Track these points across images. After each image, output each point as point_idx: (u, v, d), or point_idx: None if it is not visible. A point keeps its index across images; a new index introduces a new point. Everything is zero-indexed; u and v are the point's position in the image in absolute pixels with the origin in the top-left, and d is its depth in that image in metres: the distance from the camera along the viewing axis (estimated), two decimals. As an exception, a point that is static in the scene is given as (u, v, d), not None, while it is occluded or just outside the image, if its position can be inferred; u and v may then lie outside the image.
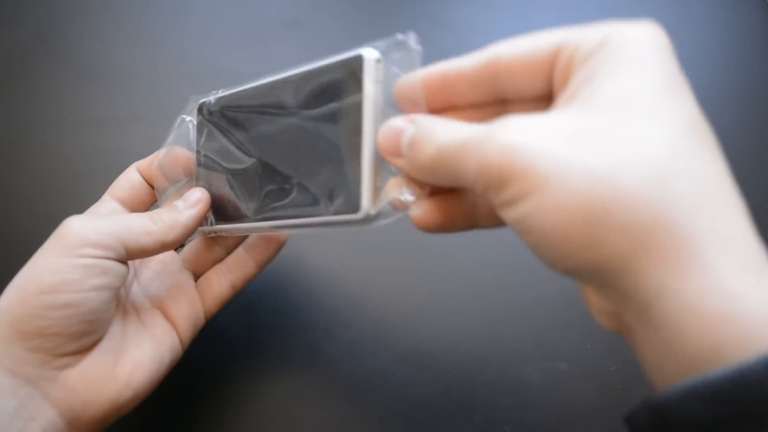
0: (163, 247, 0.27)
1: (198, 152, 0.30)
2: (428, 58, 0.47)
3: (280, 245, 0.31)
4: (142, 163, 0.31)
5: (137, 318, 0.28)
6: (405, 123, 0.21)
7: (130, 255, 0.26)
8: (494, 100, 0.22)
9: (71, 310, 0.24)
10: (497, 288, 0.37)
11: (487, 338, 0.36)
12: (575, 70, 0.19)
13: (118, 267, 0.25)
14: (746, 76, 0.44)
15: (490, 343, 0.36)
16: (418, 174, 0.21)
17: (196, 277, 0.31)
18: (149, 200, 0.31)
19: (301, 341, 0.35)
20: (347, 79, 0.23)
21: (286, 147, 0.26)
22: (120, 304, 0.27)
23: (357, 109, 0.22)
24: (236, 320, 0.36)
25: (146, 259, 0.30)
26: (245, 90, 0.28)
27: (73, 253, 0.24)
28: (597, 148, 0.16)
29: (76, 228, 0.25)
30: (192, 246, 0.32)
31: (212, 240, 0.32)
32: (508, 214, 0.18)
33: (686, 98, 0.19)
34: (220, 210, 0.29)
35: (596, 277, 0.17)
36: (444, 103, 0.23)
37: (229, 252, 0.32)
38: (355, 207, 0.22)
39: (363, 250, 0.38)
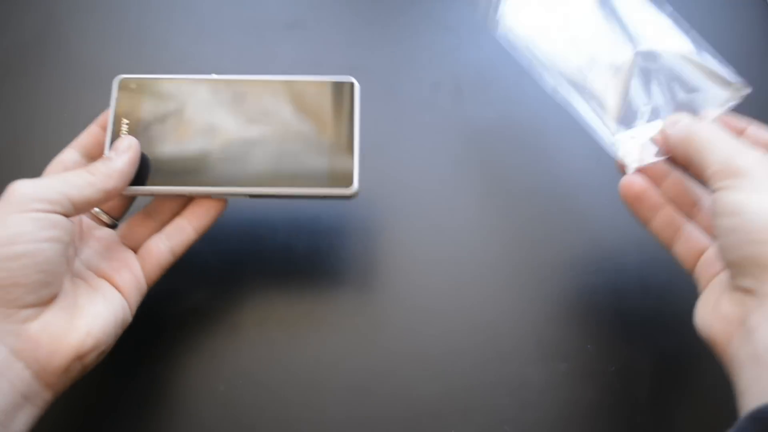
0: (106, 196, 0.29)
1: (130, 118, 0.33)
2: (428, 58, 0.47)
3: (219, 212, 0.33)
4: (77, 142, 0.33)
5: (86, 284, 0.30)
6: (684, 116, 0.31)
7: (77, 208, 0.28)
8: None
9: (28, 259, 0.25)
10: (497, 288, 0.37)
11: (487, 338, 0.36)
12: None
13: (66, 222, 0.27)
14: (746, 76, 0.44)
15: (490, 343, 0.36)
16: (683, 144, 0.29)
17: (135, 251, 0.33)
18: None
19: (300, 340, 0.35)
20: (341, 94, 0.33)
21: (265, 128, 0.32)
22: (68, 270, 0.29)
23: (351, 114, 0.33)
24: (227, 308, 0.36)
25: (85, 237, 0.31)
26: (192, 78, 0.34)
27: (22, 209, 0.26)
28: None
29: (21, 188, 0.27)
30: (127, 223, 0.33)
31: (146, 214, 0.33)
32: (729, 196, 0.25)
33: None
34: (161, 171, 0.31)
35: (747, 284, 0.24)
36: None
37: (164, 225, 0.33)
38: (348, 183, 0.31)
39: (367, 248, 0.38)
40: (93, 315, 0.28)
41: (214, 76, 0.33)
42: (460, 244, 0.38)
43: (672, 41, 0.35)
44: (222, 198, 0.33)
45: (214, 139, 0.32)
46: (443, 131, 0.41)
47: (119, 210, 0.34)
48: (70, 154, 0.32)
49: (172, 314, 0.36)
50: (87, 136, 0.33)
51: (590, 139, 0.42)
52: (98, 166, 0.29)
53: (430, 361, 0.35)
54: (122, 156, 0.30)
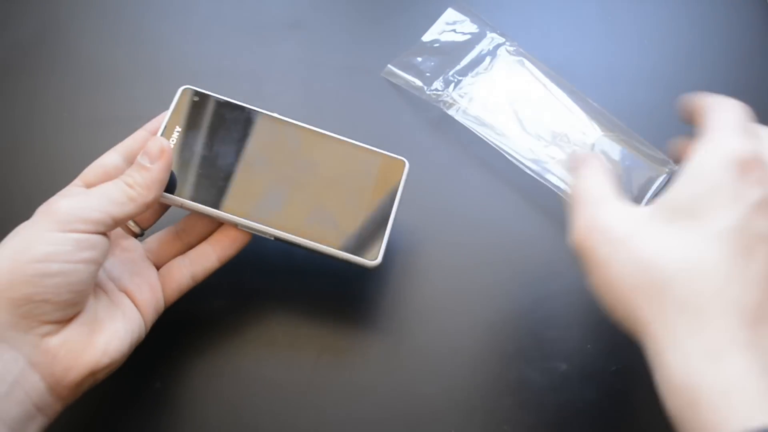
0: (145, 209, 0.29)
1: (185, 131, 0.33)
2: (428, 58, 0.46)
3: (244, 244, 0.33)
4: (122, 145, 0.32)
5: (107, 297, 0.29)
6: (582, 156, 0.30)
7: (116, 224, 0.28)
8: None
9: (62, 278, 0.25)
10: (498, 288, 0.37)
11: (487, 338, 0.36)
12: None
13: (105, 242, 0.27)
14: (746, 76, 0.44)
15: (490, 343, 0.36)
16: (568, 192, 0.29)
17: (157, 267, 0.33)
18: None
19: (300, 340, 0.35)
20: (391, 170, 0.34)
21: (309, 179, 0.33)
22: (94, 283, 0.29)
23: (394, 191, 0.33)
24: (227, 308, 0.36)
25: (111, 246, 0.31)
26: (262, 113, 0.34)
27: (64, 228, 0.26)
28: (632, 252, 0.24)
29: (66, 206, 0.27)
30: (157, 239, 0.33)
31: (174, 233, 0.33)
32: (588, 278, 0.26)
33: (729, 211, 0.23)
34: (197, 187, 0.32)
35: (629, 329, 0.24)
36: None
37: (190, 247, 0.33)
38: (374, 256, 0.31)
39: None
40: (111, 332, 0.28)
41: (276, 115, 0.34)
42: (462, 240, 0.38)
43: (609, 127, 0.40)
44: (248, 231, 0.32)
45: (256, 173, 0.32)
46: (443, 131, 0.41)
47: (149, 221, 0.33)
48: (112, 157, 0.31)
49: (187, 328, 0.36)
50: (133, 141, 0.32)
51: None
52: (135, 177, 0.29)
53: (430, 361, 0.35)
54: (157, 164, 0.29)
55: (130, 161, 0.31)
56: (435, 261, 0.38)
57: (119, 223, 0.28)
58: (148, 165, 0.29)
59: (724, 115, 0.26)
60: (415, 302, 0.36)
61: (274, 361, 0.35)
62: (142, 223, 0.33)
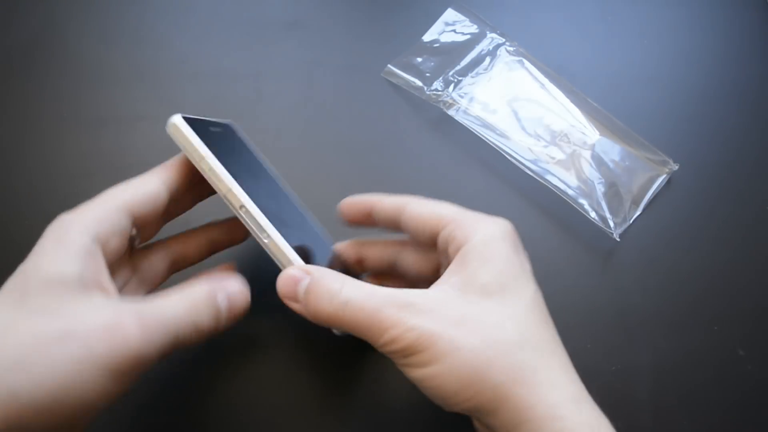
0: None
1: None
2: (428, 58, 0.46)
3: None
4: (165, 173, 0.28)
5: None
6: (300, 272, 0.26)
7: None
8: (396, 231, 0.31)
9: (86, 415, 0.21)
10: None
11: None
12: (454, 255, 0.27)
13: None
14: (746, 76, 0.44)
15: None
16: (315, 320, 0.26)
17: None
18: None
19: (299, 340, 0.35)
20: None
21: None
22: None
23: None
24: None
25: None
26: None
27: (121, 382, 0.21)
28: (474, 331, 0.24)
29: (125, 362, 0.21)
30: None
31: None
32: (411, 372, 0.25)
33: (527, 280, 0.26)
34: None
35: (477, 415, 0.25)
36: (363, 220, 0.32)
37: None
38: None
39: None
40: None
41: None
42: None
43: (608, 127, 0.40)
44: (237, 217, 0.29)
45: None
46: (443, 131, 0.41)
47: (150, 236, 0.30)
48: (161, 190, 0.27)
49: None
50: (177, 173, 0.29)
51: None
52: (204, 321, 0.24)
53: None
54: (231, 312, 0.26)
55: (172, 193, 0.28)
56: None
57: (184, 344, 0.24)
58: (223, 311, 0.25)
59: (447, 205, 0.29)
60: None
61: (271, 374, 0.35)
62: (143, 238, 0.29)
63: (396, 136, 0.41)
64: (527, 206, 0.39)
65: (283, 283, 0.26)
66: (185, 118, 0.29)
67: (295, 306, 0.26)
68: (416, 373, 0.24)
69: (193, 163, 0.28)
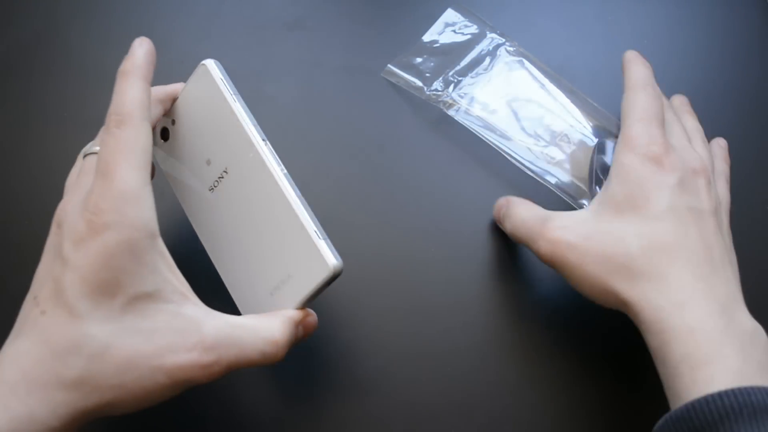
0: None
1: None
2: (428, 58, 0.46)
3: None
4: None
5: None
6: (504, 201, 0.36)
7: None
8: None
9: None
10: (497, 288, 0.37)
11: (488, 338, 0.36)
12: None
13: None
14: (746, 76, 0.44)
15: (489, 343, 0.36)
16: (511, 235, 0.35)
17: None
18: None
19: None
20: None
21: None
22: None
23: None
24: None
25: None
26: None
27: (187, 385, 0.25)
28: (599, 244, 0.29)
29: (198, 375, 0.25)
30: None
31: None
32: (567, 281, 0.31)
33: (661, 195, 0.29)
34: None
35: (614, 309, 0.30)
36: None
37: None
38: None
39: (361, 253, 0.38)
40: None
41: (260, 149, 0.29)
42: (461, 241, 0.38)
43: (608, 128, 0.40)
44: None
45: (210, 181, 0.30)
46: (443, 131, 0.41)
47: None
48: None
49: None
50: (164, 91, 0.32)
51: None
52: (267, 350, 0.26)
53: (430, 361, 0.35)
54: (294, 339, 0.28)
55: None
56: (434, 259, 0.38)
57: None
58: (284, 344, 0.27)
59: (634, 101, 0.33)
60: (414, 301, 0.36)
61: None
62: None
63: (396, 136, 0.41)
64: (527, 206, 0.39)
65: (496, 209, 0.37)
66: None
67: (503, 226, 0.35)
68: (564, 276, 0.31)
69: (208, 101, 0.29)
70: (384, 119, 0.42)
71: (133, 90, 0.26)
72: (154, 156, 0.32)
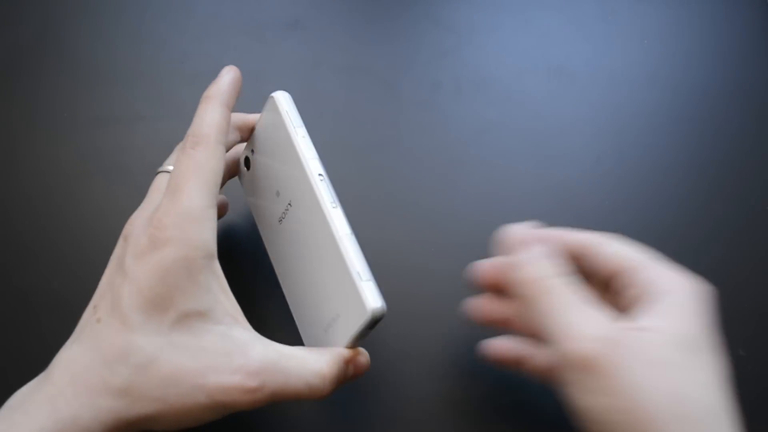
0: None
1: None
2: (428, 58, 0.47)
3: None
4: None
5: None
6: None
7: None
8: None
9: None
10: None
11: (487, 338, 0.36)
12: (638, 299, 0.26)
13: None
14: (746, 76, 0.44)
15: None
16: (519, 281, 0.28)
17: None
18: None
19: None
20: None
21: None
22: None
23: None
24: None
25: None
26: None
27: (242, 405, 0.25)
28: (670, 376, 0.23)
29: (249, 400, 0.24)
30: None
31: None
32: (580, 397, 0.25)
33: (716, 349, 0.24)
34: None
35: None
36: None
37: None
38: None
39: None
40: None
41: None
42: (459, 243, 0.38)
43: None
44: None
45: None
46: (443, 131, 0.41)
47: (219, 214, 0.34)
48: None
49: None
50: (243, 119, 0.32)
51: (589, 140, 0.42)
52: (315, 383, 0.26)
53: (430, 361, 0.35)
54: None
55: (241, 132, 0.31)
56: (433, 261, 0.38)
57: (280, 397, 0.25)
58: (331, 379, 0.26)
59: (650, 259, 0.27)
60: (415, 303, 0.36)
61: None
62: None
63: (396, 136, 0.41)
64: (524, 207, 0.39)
65: (509, 238, 0.30)
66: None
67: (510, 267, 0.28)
68: (580, 398, 0.25)
69: (275, 132, 0.30)
70: (384, 119, 0.42)
71: (213, 114, 0.27)
72: (241, 183, 0.34)
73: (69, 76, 0.42)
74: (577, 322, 0.25)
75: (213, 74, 0.43)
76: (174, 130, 0.41)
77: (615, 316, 0.25)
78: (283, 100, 0.31)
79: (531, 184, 0.39)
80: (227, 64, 0.45)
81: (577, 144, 0.41)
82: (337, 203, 0.28)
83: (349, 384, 0.34)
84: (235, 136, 0.31)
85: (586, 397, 0.24)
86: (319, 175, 0.28)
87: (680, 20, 0.46)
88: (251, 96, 0.43)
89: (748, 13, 0.46)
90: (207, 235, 0.25)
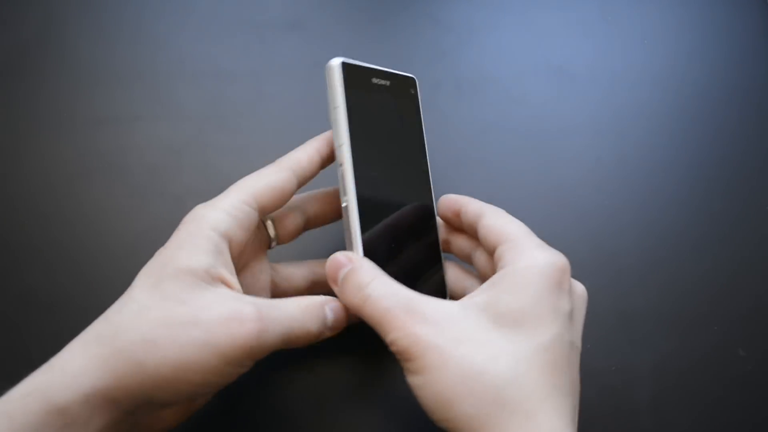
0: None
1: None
2: (428, 58, 0.47)
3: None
4: (299, 164, 0.30)
5: None
6: (345, 259, 0.27)
7: (289, 344, 0.26)
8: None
9: (202, 392, 0.25)
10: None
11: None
12: (493, 276, 0.27)
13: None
14: (746, 76, 0.44)
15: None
16: (346, 306, 0.27)
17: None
18: (284, 204, 0.30)
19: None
20: None
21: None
22: None
23: None
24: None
25: (240, 265, 0.30)
26: None
27: (241, 365, 0.25)
28: (467, 355, 0.24)
29: (253, 344, 0.24)
30: (286, 269, 0.33)
31: (306, 274, 0.33)
32: (406, 377, 0.25)
33: (551, 321, 0.25)
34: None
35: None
36: (453, 220, 0.32)
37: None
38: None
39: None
40: (206, 398, 0.28)
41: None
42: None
43: None
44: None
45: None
46: (443, 131, 0.41)
47: (290, 237, 0.32)
48: (288, 179, 0.29)
49: None
50: (308, 165, 0.30)
51: (589, 140, 0.42)
52: (312, 327, 0.27)
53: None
54: (331, 330, 0.28)
55: (302, 182, 0.30)
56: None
57: (291, 344, 0.26)
58: (329, 324, 0.27)
59: (517, 224, 0.29)
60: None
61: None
62: (282, 238, 0.31)
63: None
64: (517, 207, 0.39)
65: (329, 265, 0.28)
66: (345, 65, 0.30)
67: (334, 289, 0.28)
68: (409, 379, 0.25)
69: (329, 111, 0.29)
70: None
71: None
72: None
73: (69, 76, 0.42)
74: (396, 315, 0.25)
75: (212, 74, 0.43)
76: (173, 129, 0.41)
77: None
78: (339, 67, 0.31)
79: (531, 184, 0.39)
80: (227, 64, 0.44)
81: (577, 144, 0.41)
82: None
83: (348, 381, 0.34)
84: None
85: (409, 378, 0.25)
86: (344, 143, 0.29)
87: (681, 20, 0.46)
88: (251, 96, 0.43)
89: (748, 13, 0.46)
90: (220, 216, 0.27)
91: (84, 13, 0.45)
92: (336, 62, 0.30)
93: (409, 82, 0.34)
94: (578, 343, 0.26)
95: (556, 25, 0.45)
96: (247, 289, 0.30)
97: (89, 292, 0.36)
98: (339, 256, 0.28)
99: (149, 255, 0.31)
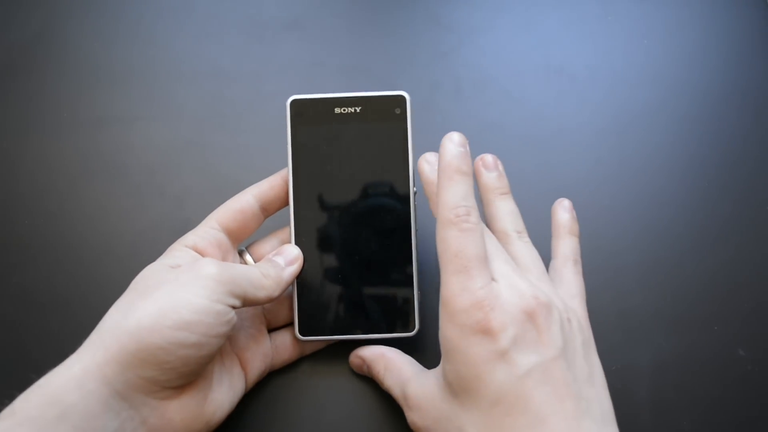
0: (268, 301, 0.29)
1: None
2: (428, 58, 0.47)
3: None
4: (260, 189, 0.33)
5: (221, 359, 0.30)
6: (378, 355, 0.33)
7: (243, 305, 0.28)
8: None
9: (195, 350, 0.25)
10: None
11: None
12: None
13: (235, 318, 0.27)
14: (746, 76, 0.44)
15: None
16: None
17: (268, 324, 0.33)
18: (254, 228, 0.33)
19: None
20: None
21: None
22: None
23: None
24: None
25: None
26: None
27: (212, 298, 0.26)
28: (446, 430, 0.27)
29: (215, 272, 0.27)
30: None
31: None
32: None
33: (489, 373, 0.25)
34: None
35: None
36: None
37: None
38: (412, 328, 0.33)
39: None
40: (217, 405, 0.28)
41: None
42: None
43: None
44: None
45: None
46: (443, 131, 0.41)
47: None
48: (250, 203, 0.32)
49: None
50: (270, 189, 0.33)
51: (589, 140, 0.42)
52: (269, 270, 0.30)
53: (429, 361, 0.35)
54: (290, 267, 0.31)
55: (265, 209, 0.33)
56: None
57: (246, 304, 0.28)
58: (282, 265, 0.31)
59: (447, 236, 0.28)
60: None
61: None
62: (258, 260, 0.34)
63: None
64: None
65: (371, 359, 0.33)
66: (294, 102, 0.33)
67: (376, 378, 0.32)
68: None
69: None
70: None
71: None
72: None
73: (69, 76, 0.42)
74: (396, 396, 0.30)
75: (212, 74, 0.43)
76: (173, 130, 0.41)
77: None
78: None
79: (531, 184, 0.39)
80: (227, 64, 0.44)
81: (577, 144, 0.41)
82: None
83: (348, 381, 0.34)
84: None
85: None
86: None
87: (681, 20, 0.46)
88: (251, 96, 0.43)
89: (748, 13, 0.46)
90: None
91: (84, 14, 0.45)
92: (288, 101, 0.33)
93: (394, 102, 0.33)
94: (547, 353, 0.25)
95: (556, 25, 0.45)
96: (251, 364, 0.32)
97: (89, 292, 0.36)
98: (373, 353, 0.33)
99: (149, 255, 0.31)
